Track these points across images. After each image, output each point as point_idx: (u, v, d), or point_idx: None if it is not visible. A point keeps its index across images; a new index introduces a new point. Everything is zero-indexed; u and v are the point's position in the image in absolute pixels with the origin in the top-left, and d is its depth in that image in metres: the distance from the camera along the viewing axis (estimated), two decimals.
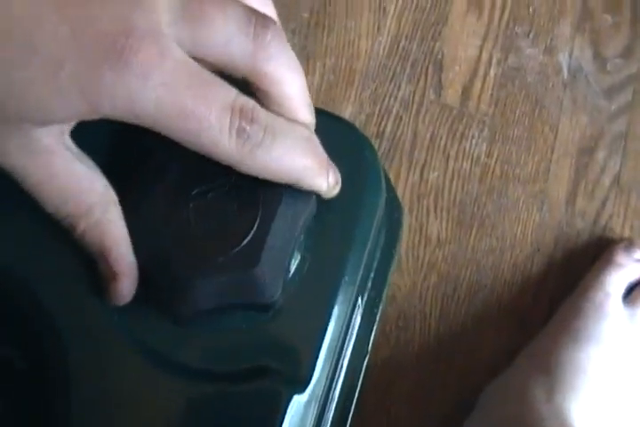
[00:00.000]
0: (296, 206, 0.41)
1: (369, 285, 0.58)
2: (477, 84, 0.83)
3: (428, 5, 0.85)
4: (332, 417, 0.46)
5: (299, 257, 0.43)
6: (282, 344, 0.42)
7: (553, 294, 0.78)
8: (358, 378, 0.55)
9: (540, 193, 0.81)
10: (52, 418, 0.40)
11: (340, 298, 0.45)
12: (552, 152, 0.82)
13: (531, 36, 0.85)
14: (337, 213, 0.45)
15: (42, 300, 0.40)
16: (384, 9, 0.85)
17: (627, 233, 0.80)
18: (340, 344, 0.46)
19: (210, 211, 0.40)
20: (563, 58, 0.85)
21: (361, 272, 0.47)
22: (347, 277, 0.45)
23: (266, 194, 0.40)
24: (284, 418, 0.40)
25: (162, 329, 0.41)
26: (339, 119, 0.48)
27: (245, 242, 0.40)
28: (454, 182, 0.80)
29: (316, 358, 0.42)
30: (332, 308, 0.44)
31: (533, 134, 0.82)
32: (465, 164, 0.80)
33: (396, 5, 0.85)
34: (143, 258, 0.39)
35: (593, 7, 0.87)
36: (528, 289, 0.78)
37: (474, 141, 0.81)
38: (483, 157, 0.81)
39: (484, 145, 0.82)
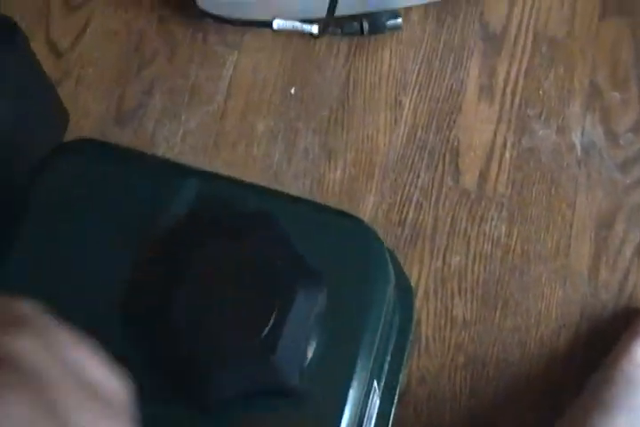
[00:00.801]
0: (309, 298, 0.46)
1: (385, 367, 0.62)
2: (494, 168, 0.87)
3: (442, 96, 0.90)
4: None
5: (314, 345, 0.48)
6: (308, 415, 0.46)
7: (581, 368, 0.80)
8: None
9: (562, 269, 0.83)
10: None
11: (355, 382, 0.49)
12: (571, 228, 0.85)
13: (542, 117, 0.89)
14: (348, 301, 0.50)
15: None
16: (400, 102, 0.90)
17: None
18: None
19: (230, 306, 0.45)
20: (575, 136, 0.88)
21: (374, 355, 0.51)
22: (360, 362, 0.48)
23: (282, 289, 0.45)
24: None
25: (190, 418, 0.45)
26: (344, 215, 0.53)
27: (265, 333, 0.44)
28: (476, 264, 0.83)
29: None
30: (348, 392, 0.48)
31: (551, 212, 0.85)
32: (486, 245, 0.84)
33: (411, 98, 0.90)
34: (171, 353, 0.44)
35: (601, 86, 0.90)
36: (556, 364, 0.80)
37: (493, 223, 0.85)
38: (503, 237, 0.84)
39: (504, 226, 0.85)
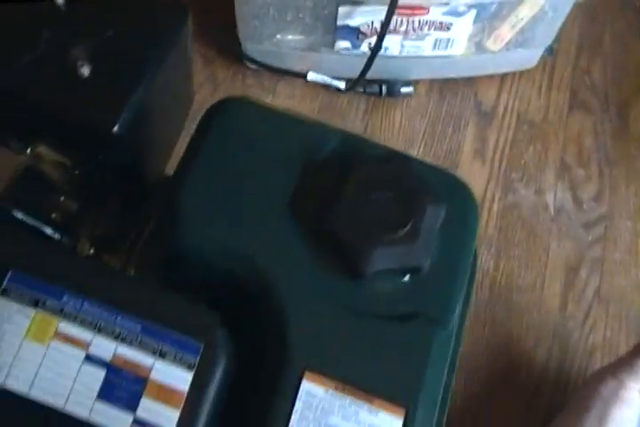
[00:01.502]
0: (435, 213, 0.60)
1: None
2: (484, 215, 1.04)
3: (443, 154, 1.08)
4: None
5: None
6: (430, 296, 0.60)
7: (555, 381, 0.95)
8: None
9: (538, 300, 0.99)
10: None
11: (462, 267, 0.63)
12: (545, 268, 1.02)
13: (524, 180, 1.07)
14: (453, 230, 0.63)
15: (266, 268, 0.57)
16: None
17: (608, 334, 0.99)
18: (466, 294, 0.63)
19: (382, 207, 0.59)
20: (549, 199, 1.07)
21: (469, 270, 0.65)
22: (462, 268, 0.63)
23: (417, 202, 0.60)
24: (431, 349, 0.57)
25: (346, 286, 0.58)
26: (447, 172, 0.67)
27: (407, 227, 0.59)
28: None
29: (455, 305, 0.59)
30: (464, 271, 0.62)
31: (530, 254, 1.02)
32: (478, 275, 0.99)
33: (417, 153, 1.07)
34: (344, 231, 0.57)
35: (569, 163, 1.10)
36: (533, 374, 0.95)
37: (484, 258, 1.01)
38: (491, 270, 1.00)
39: (492, 261, 1.01)
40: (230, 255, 0.59)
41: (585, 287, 1.02)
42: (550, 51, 1.14)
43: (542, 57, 1.14)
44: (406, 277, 0.60)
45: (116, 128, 0.62)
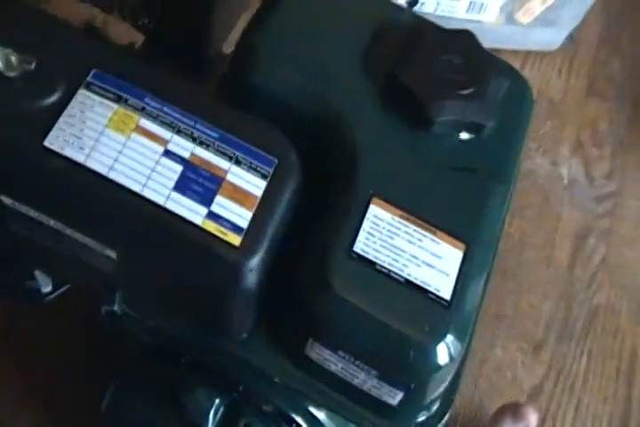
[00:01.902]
0: (499, 83, 0.62)
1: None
2: None
3: None
4: None
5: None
6: (492, 154, 0.61)
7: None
8: None
9: (547, 258, 1.01)
10: None
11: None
12: (555, 232, 1.03)
13: (540, 150, 1.10)
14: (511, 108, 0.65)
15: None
16: None
17: (612, 298, 1.00)
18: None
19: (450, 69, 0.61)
20: (563, 170, 1.09)
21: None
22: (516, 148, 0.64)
23: (481, 71, 0.62)
24: (490, 198, 0.58)
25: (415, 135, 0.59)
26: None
27: (474, 87, 0.60)
28: None
29: (513, 165, 0.61)
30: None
31: (542, 217, 1.04)
32: None
33: None
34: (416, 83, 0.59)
35: (584, 142, 1.13)
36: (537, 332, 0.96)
37: None
38: (505, 226, 1.02)
39: (508, 217, 1.02)
40: (305, 96, 0.60)
41: (592, 254, 1.03)
42: (571, 38, 1.18)
43: (563, 43, 1.18)
44: (470, 135, 0.61)
45: None
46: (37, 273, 0.68)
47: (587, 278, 1.01)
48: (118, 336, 0.65)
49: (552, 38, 1.17)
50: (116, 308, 0.61)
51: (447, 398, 0.62)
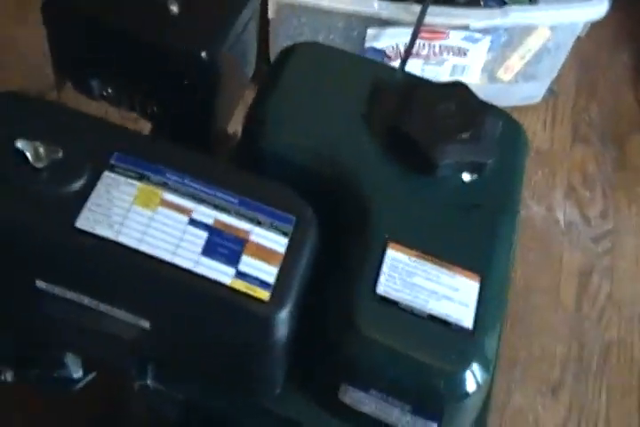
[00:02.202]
0: (493, 125, 0.67)
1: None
2: None
3: None
4: None
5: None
6: (494, 190, 0.65)
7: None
8: None
9: (553, 300, 1.05)
10: None
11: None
12: (560, 274, 1.07)
13: (535, 198, 1.14)
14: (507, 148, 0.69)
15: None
16: None
17: (622, 332, 1.03)
18: None
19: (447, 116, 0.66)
20: (559, 215, 1.14)
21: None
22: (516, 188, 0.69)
23: (477, 115, 0.66)
24: (498, 232, 0.62)
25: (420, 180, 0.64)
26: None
27: (472, 130, 0.65)
28: None
29: (516, 199, 0.65)
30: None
31: (544, 261, 1.08)
32: None
33: None
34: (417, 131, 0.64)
35: (575, 186, 1.18)
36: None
37: None
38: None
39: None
40: (314, 158, 0.65)
41: (597, 291, 1.07)
42: (551, 90, 1.24)
43: (544, 97, 1.24)
44: (473, 175, 0.66)
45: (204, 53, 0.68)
46: (68, 359, 0.71)
47: (595, 316, 1.04)
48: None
49: (533, 92, 1.23)
50: (149, 382, 0.65)
51: None
